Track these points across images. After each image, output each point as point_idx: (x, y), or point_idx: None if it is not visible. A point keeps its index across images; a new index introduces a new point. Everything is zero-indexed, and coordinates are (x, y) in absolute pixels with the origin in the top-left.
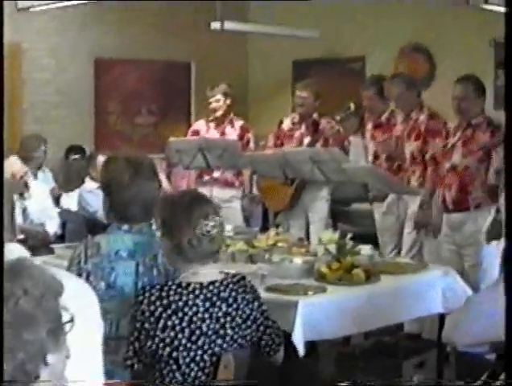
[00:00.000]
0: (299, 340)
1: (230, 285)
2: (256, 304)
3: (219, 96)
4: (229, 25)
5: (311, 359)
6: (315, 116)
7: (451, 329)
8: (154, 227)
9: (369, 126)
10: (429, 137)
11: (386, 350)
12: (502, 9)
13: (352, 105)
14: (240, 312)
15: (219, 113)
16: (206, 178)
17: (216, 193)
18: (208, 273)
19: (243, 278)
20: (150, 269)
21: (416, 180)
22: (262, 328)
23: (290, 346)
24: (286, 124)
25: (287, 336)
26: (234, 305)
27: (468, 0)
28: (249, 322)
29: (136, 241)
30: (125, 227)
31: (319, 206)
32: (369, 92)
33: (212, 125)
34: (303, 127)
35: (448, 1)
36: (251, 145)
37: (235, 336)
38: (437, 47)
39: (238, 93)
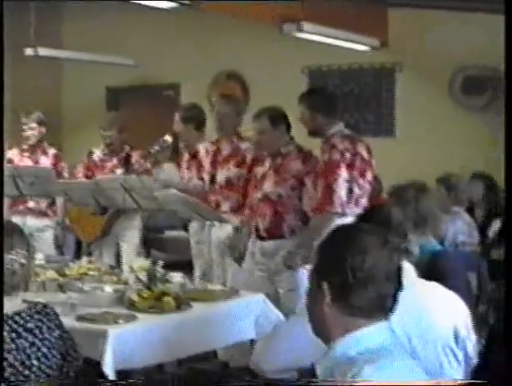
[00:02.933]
0: (109, 369)
1: (35, 315)
2: (58, 331)
3: (33, 124)
4: (44, 51)
5: None
6: (126, 148)
7: (258, 355)
8: None
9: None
10: (253, 165)
11: (199, 377)
12: (316, 37)
13: (168, 138)
14: (46, 342)
15: (32, 141)
16: (20, 207)
17: (30, 222)
18: (12, 304)
19: (45, 306)
20: None
21: (229, 207)
22: (66, 357)
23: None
24: (97, 155)
25: (97, 365)
26: (40, 336)
27: (281, 28)
28: (54, 351)
29: None
30: None
31: (131, 234)
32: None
33: (25, 154)
34: (115, 160)
35: (259, 29)
36: (65, 174)
37: (42, 366)
38: (251, 74)
39: (52, 121)
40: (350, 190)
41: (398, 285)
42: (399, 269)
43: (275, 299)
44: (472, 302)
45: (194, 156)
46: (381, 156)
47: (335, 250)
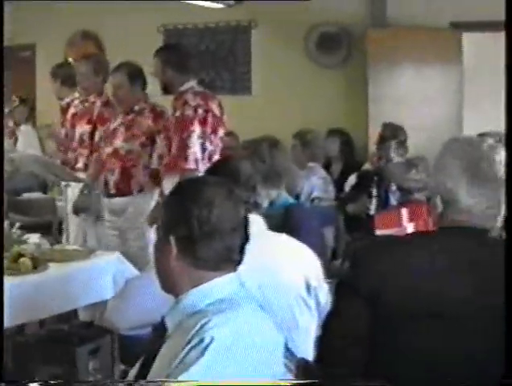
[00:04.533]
0: None
1: None
2: None
3: None
4: None
5: None
6: None
7: (110, 312)
8: None
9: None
10: (98, 123)
11: (61, 337)
12: None
13: (16, 99)
14: None
15: None
16: None
17: None
18: None
19: None
20: None
21: (82, 164)
22: None
23: None
24: None
25: None
26: None
27: None
28: None
29: None
30: None
31: None
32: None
33: None
34: None
35: None
36: None
37: None
38: (107, 34)
39: None
40: (203, 147)
41: (245, 237)
42: (246, 222)
43: (127, 256)
44: (328, 255)
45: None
46: (239, 113)
47: (180, 203)
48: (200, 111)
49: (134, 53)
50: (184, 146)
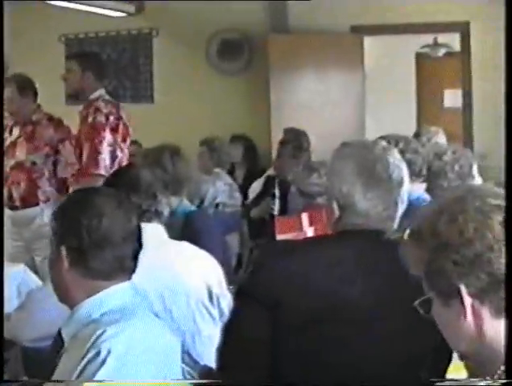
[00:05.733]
0: None
1: None
2: None
3: None
4: None
5: None
6: None
7: (13, 324)
8: None
9: None
10: None
11: None
12: (71, 4)
13: None
14: None
15: None
16: None
17: None
18: None
19: None
20: None
21: None
22: None
23: None
24: None
25: None
26: None
27: None
28: None
29: None
30: None
31: None
32: None
33: None
34: None
35: None
36: None
37: None
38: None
39: None
40: (113, 155)
41: (138, 246)
42: (139, 230)
43: (32, 267)
44: (233, 260)
45: None
46: (142, 122)
47: (70, 214)
48: (112, 118)
49: (34, 64)
50: (96, 152)
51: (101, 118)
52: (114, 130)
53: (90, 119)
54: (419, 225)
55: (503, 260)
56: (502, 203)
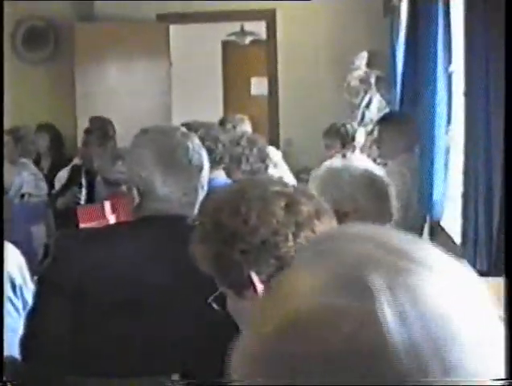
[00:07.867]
0: None
1: None
2: None
3: None
4: None
5: None
6: None
7: None
8: None
9: None
10: None
11: None
12: None
13: None
14: None
15: None
16: None
17: None
18: None
19: None
20: None
21: None
22: None
23: None
24: None
25: None
26: None
27: None
28: None
29: None
30: None
31: None
32: None
33: None
34: None
35: None
36: None
37: None
38: None
39: None
40: None
41: None
42: None
43: None
44: (40, 251)
45: None
46: None
47: None
48: None
49: None
50: None
51: None
52: None
53: None
54: (202, 223)
55: (291, 243)
56: (282, 189)
